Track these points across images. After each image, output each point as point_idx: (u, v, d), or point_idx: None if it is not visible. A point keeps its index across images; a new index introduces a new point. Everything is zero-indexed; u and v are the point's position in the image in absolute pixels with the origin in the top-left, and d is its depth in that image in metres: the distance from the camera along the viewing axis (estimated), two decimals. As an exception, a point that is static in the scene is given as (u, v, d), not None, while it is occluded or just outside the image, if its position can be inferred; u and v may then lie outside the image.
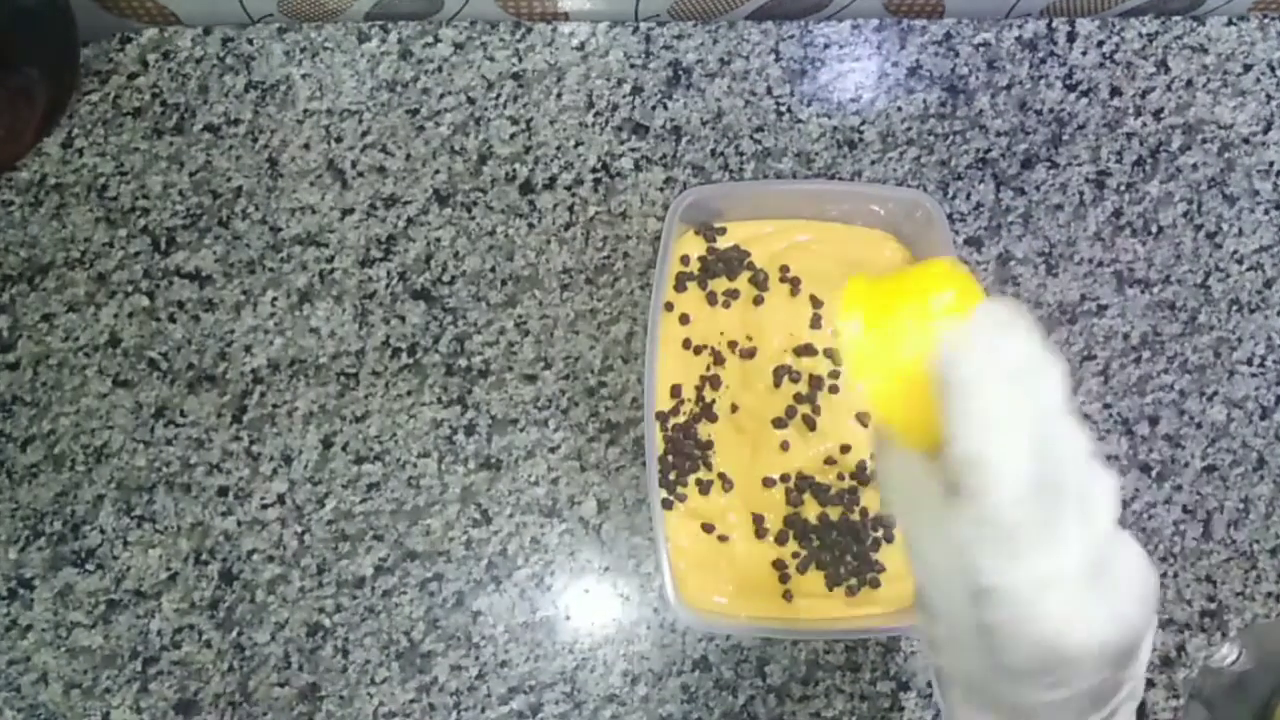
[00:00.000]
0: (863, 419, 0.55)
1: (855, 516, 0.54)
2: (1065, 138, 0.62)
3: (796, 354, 0.55)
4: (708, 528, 0.54)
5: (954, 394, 0.31)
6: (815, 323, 0.56)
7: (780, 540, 0.54)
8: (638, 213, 0.60)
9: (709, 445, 0.54)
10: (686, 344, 0.55)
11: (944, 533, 0.31)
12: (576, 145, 0.61)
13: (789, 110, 0.62)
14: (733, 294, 0.56)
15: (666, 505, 0.53)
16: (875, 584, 0.53)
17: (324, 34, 0.62)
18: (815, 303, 0.56)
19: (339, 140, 0.61)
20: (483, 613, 0.56)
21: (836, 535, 0.54)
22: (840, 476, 0.55)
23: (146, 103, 0.61)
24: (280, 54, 0.62)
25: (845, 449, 0.54)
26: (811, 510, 0.54)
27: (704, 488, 0.54)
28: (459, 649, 0.56)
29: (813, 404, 0.55)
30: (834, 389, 0.55)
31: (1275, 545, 0.58)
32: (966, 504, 0.30)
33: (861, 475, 0.54)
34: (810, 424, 0.54)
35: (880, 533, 0.54)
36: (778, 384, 0.55)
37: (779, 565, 0.54)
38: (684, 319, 0.56)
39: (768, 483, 0.54)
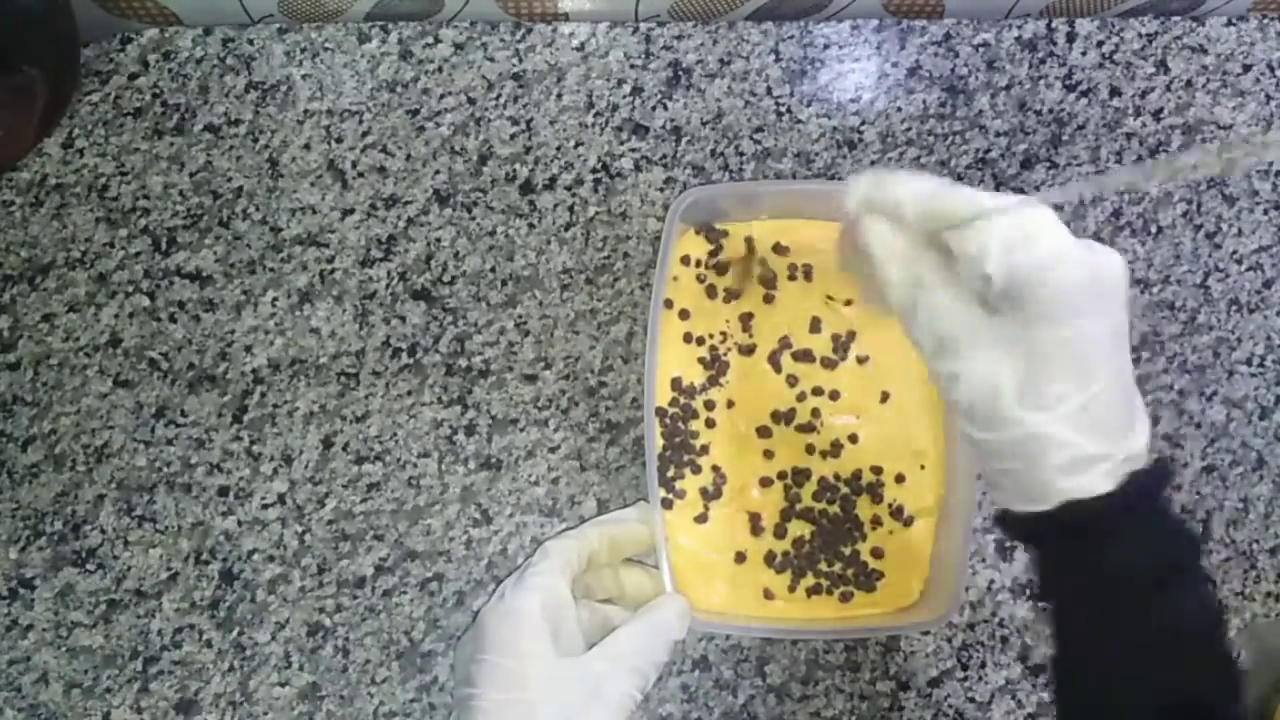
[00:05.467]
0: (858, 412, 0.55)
1: (855, 513, 0.54)
2: (1065, 138, 0.62)
3: (794, 358, 0.55)
4: (706, 526, 0.54)
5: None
6: (815, 326, 0.56)
7: (778, 538, 0.54)
8: (638, 213, 0.60)
9: (708, 444, 0.54)
10: (687, 338, 0.55)
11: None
12: (576, 145, 0.61)
13: (789, 110, 0.62)
14: (733, 293, 0.56)
15: (666, 505, 0.53)
16: (870, 588, 0.53)
17: (324, 34, 0.62)
18: (816, 304, 0.56)
19: (339, 140, 0.61)
20: (483, 612, 0.56)
21: (834, 535, 0.54)
22: (837, 476, 0.55)
23: (147, 103, 0.61)
24: (281, 54, 0.62)
25: (842, 449, 0.54)
26: (809, 509, 0.54)
27: (703, 486, 0.54)
28: (459, 649, 0.56)
29: (811, 405, 0.55)
30: (834, 395, 0.55)
31: (1274, 545, 0.58)
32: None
33: (856, 484, 0.54)
34: (809, 425, 0.54)
35: (884, 526, 0.54)
36: (777, 384, 0.55)
37: (777, 565, 0.53)
38: (684, 315, 0.56)
39: (766, 481, 0.54)
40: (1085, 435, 0.34)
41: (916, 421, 0.55)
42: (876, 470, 0.54)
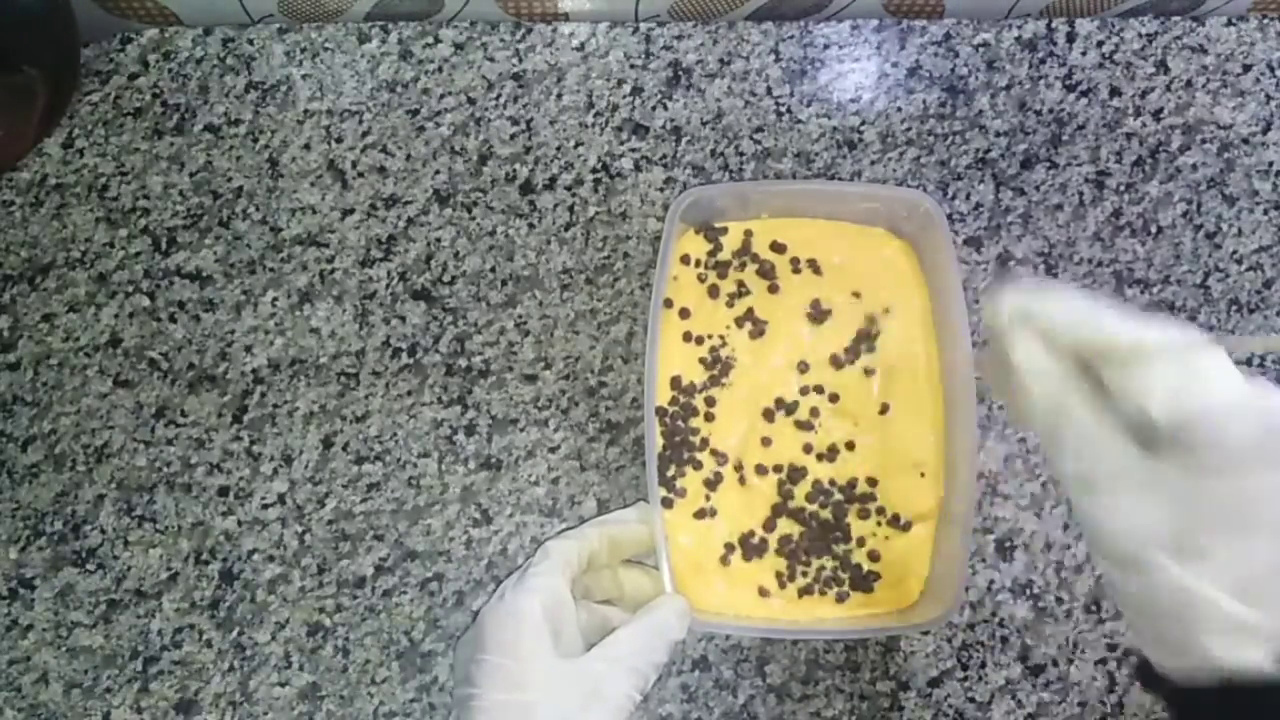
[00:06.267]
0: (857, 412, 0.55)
1: (845, 520, 0.54)
2: (1065, 138, 0.62)
3: (799, 369, 0.55)
4: (703, 522, 0.53)
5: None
6: (815, 318, 0.56)
7: (767, 531, 0.54)
8: (638, 213, 0.60)
9: (708, 438, 0.54)
10: (687, 337, 0.55)
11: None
12: (576, 145, 0.61)
13: (789, 110, 0.62)
14: (733, 292, 0.56)
15: (666, 504, 0.53)
16: (868, 589, 0.53)
17: (324, 34, 0.62)
18: (815, 309, 0.56)
19: (339, 140, 0.61)
20: (483, 612, 0.56)
21: (821, 538, 0.53)
22: (832, 482, 0.54)
23: (147, 103, 0.62)
24: (281, 54, 0.62)
25: (838, 454, 0.54)
26: (800, 509, 0.54)
27: (705, 479, 0.54)
28: (459, 649, 0.56)
29: (811, 403, 0.55)
30: (834, 398, 0.55)
31: (1275, 545, 0.58)
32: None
33: (850, 492, 0.54)
34: (808, 423, 0.54)
35: (877, 535, 0.54)
36: (783, 371, 0.55)
37: (768, 560, 0.53)
38: (684, 314, 0.56)
39: (761, 470, 0.54)
40: (1246, 602, 0.31)
41: (917, 431, 0.54)
42: (872, 482, 0.54)
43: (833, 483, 0.54)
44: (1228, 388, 0.32)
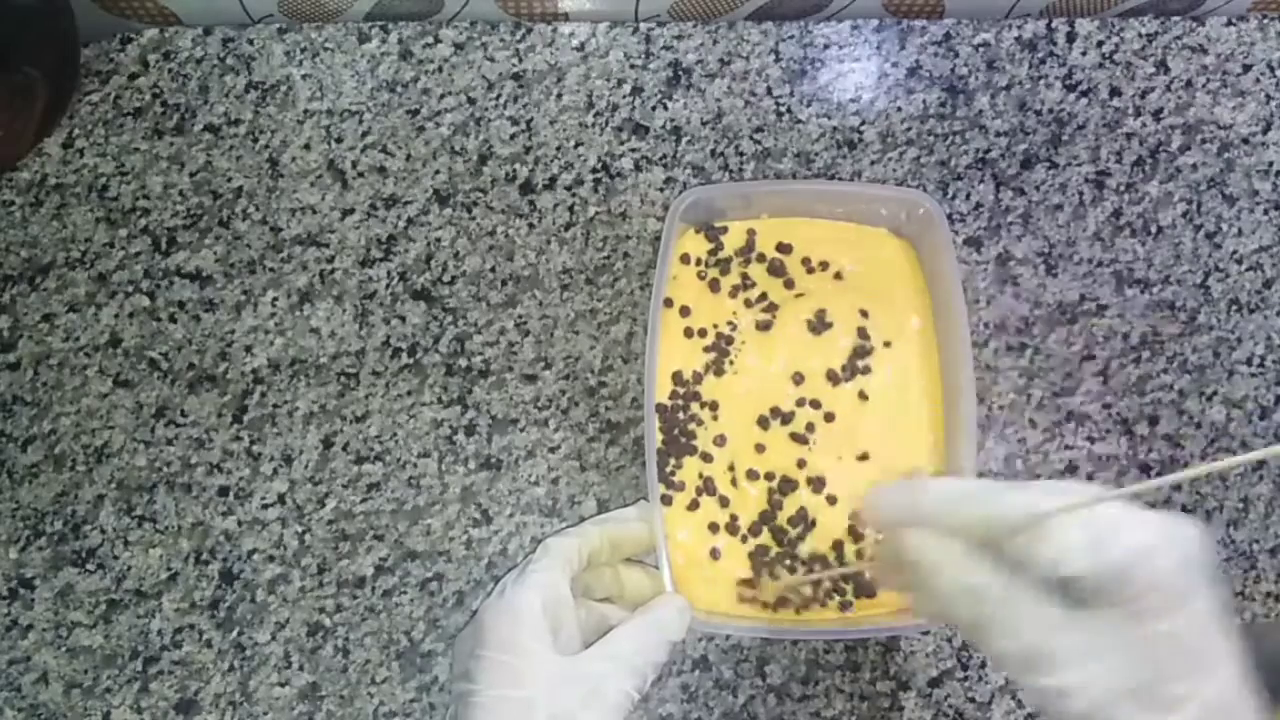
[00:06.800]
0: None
1: (839, 557, 0.53)
2: (1065, 138, 0.62)
3: (794, 379, 0.55)
4: (702, 516, 0.53)
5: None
6: (815, 328, 0.55)
7: (756, 546, 0.53)
8: (638, 213, 0.60)
9: (706, 431, 0.54)
10: (688, 332, 0.55)
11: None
12: (576, 145, 0.61)
13: (789, 110, 0.62)
14: (737, 284, 0.56)
15: (665, 501, 0.53)
16: (873, 594, 0.53)
17: (324, 34, 0.62)
18: (819, 318, 0.55)
19: (339, 140, 0.61)
20: (483, 612, 0.56)
21: (831, 541, 0.53)
22: (815, 520, 0.54)
23: (147, 103, 0.62)
24: (280, 54, 0.62)
25: (825, 486, 0.54)
26: (791, 535, 0.53)
27: (699, 475, 0.54)
28: (459, 649, 0.56)
29: (807, 418, 0.54)
30: (830, 417, 0.54)
31: (1274, 545, 0.58)
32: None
33: (839, 545, 0.53)
34: (802, 437, 0.54)
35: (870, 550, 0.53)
36: (781, 378, 0.55)
37: (776, 563, 0.53)
38: (684, 311, 0.55)
39: (752, 475, 0.54)
40: None
41: (917, 433, 0.54)
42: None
43: (815, 520, 0.53)
44: (1143, 531, 0.31)
